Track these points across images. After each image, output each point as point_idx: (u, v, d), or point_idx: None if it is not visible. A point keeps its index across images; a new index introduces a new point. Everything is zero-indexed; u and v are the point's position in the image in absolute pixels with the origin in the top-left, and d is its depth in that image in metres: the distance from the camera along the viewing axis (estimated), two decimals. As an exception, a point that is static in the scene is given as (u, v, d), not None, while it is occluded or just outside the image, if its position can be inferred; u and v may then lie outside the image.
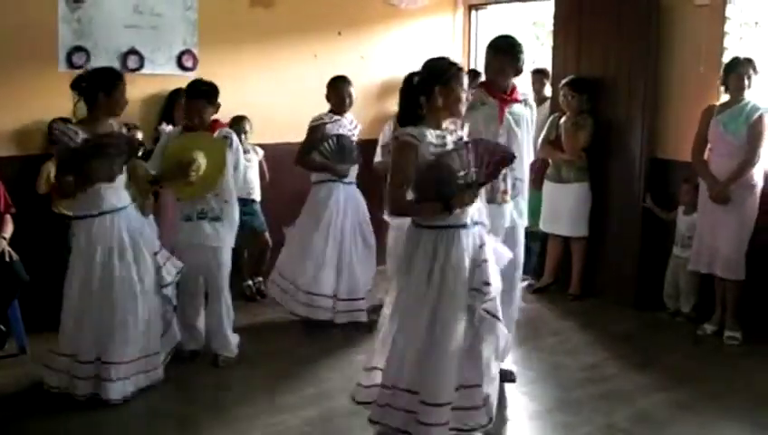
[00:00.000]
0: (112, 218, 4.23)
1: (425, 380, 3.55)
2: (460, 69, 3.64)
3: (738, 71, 5.18)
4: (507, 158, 3.68)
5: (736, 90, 5.21)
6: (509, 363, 4.63)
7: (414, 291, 3.61)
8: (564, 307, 6.08)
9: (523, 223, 4.55)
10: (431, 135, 3.55)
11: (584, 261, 6.29)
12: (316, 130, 5.45)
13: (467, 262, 3.57)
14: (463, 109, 3.66)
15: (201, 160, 4.55)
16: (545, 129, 6.28)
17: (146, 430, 4.05)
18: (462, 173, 3.52)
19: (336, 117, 5.48)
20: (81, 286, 4.20)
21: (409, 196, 3.61)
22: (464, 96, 3.63)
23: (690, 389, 4.52)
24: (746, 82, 5.18)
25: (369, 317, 5.33)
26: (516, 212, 4.44)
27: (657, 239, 5.90)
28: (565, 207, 6.20)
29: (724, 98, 5.38)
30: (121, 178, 4.31)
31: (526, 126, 4.42)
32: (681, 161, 5.71)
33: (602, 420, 4.13)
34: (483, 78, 5.58)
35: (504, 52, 4.29)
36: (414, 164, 3.52)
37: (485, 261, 3.62)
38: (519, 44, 4.36)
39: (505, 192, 4.31)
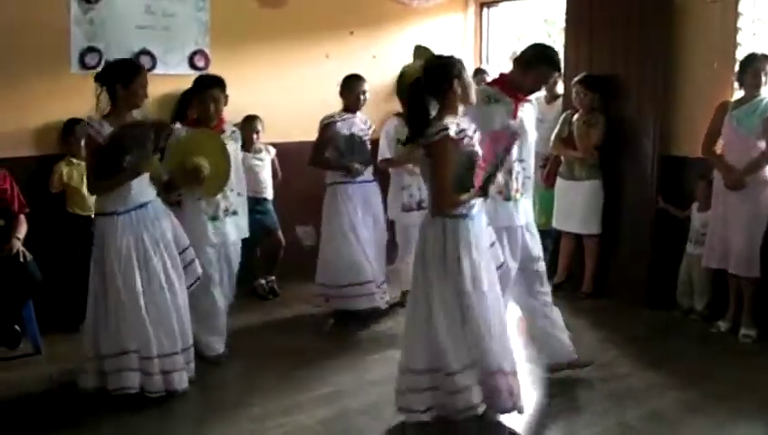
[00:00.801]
0: (138, 215, 4.21)
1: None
2: (461, 60, 3.93)
3: (755, 66, 5.13)
4: (512, 142, 3.98)
5: (752, 86, 5.16)
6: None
7: (445, 278, 3.80)
8: (576, 305, 6.05)
9: (532, 220, 4.60)
10: (463, 123, 3.81)
11: (597, 259, 6.27)
12: (327, 128, 5.48)
13: (483, 245, 3.86)
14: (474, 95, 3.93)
15: (203, 163, 4.54)
16: (557, 126, 6.27)
17: (159, 428, 4.05)
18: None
19: (347, 115, 5.51)
20: (123, 283, 4.15)
21: None
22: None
23: (703, 388, 4.49)
24: (763, 78, 5.13)
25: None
26: (527, 211, 4.48)
27: (670, 237, 5.86)
28: (578, 205, 6.18)
29: (739, 94, 5.35)
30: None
31: (532, 124, 4.49)
32: (695, 158, 5.67)
33: (614, 420, 4.11)
34: (489, 75, 5.69)
35: (560, 69, 4.51)
36: (457, 157, 3.74)
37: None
38: None
39: (517, 190, 4.35)
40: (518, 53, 4.61)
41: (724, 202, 5.28)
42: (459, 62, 3.88)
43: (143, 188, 4.26)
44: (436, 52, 6.70)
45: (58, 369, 4.65)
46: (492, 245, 4.02)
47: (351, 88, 5.50)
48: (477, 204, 3.87)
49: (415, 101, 3.87)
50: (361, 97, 5.50)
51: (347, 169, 5.48)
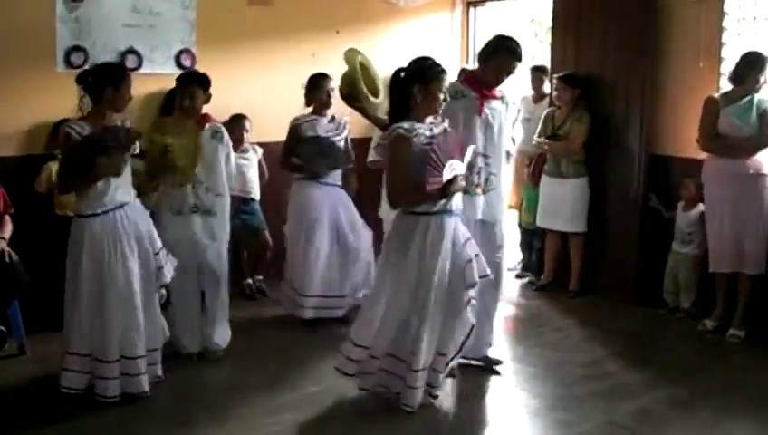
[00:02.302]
0: (116, 215, 4.17)
1: (409, 349, 3.98)
2: (441, 71, 3.95)
3: (760, 67, 5.10)
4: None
5: (755, 83, 5.12)
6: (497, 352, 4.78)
7: (404, 271, 3.96)
8: (564, 304, 6.08)
9: (495, 218, 4.54)
10: (421, 127, 3.87)
11: (583, 257, 6.28)
12: (292, 131, 5.46)
13: (450, 245, 3.95)
14: (439, 108, 3.98)
15: (170, 141, 4.54)
16: (541, 123, 6.28)
17: (144, 429, 4.02)
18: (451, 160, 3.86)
19: (314, 117, 5.45)
20: (91, 285, 4.13)
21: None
22: (441, 96, 3.94)
23: (691, 386, 4.52)
24: (764, 78, 5.14)
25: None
26: (487, 207, 4.45)
27: (656, 235, 5.89)
28: (564, 203, 6.18)
29: (724, 89, 5.38)
30: (127, 173, 4.25)
31: (501, 122, 4.46)
32: (680, 157, 5.71)
33: (602, 417, 4.12)
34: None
35: (519, 59, 4.40)
36: (410, 155, 3.82)
37: (473, 260, 4.00)
38: None
39: (478, 185, 4.36)
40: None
41: (730, 205, 5.21)
42: (433, 70, 3.91)
43: (120, 190, 4.20)
44: (422, 52, 6.76)
45: (44, 369, 4.61)
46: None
47: (320, 86, 5.42)
48: (458, 202, 3.98)
49: (392, 93, 4.00)
50: (329, 97, 5.42)
51: (307, 170, 5.43)
